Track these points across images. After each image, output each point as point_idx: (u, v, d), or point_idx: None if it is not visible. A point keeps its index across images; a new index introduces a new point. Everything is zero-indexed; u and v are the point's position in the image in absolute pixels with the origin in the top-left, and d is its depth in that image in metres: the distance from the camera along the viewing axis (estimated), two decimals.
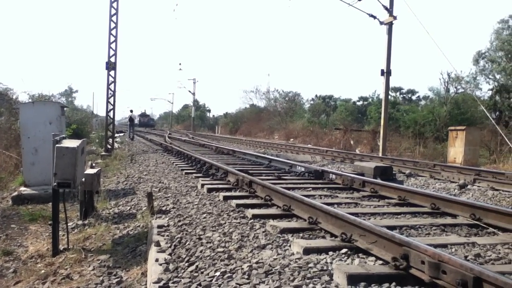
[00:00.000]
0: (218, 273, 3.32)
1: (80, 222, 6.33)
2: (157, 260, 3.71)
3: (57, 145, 4.90)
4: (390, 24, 18.37)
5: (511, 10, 42.94)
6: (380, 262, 3.38)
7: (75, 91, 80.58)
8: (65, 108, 10.71)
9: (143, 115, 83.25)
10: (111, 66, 18.12)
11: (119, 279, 4.05)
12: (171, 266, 3.57)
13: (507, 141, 15.54)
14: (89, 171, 6.71)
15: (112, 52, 18.08)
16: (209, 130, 64.54)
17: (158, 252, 3.93)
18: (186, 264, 3.62)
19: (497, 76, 28.46)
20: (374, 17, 18.63)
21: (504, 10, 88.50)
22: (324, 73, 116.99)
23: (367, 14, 18.63)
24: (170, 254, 3.87)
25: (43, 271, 4.65)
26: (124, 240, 5.20)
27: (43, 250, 5.28)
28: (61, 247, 5.16)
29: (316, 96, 54.21)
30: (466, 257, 3.55)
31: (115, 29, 18.05)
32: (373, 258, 3.47)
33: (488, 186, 8.92)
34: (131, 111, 32.35)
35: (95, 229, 5.77)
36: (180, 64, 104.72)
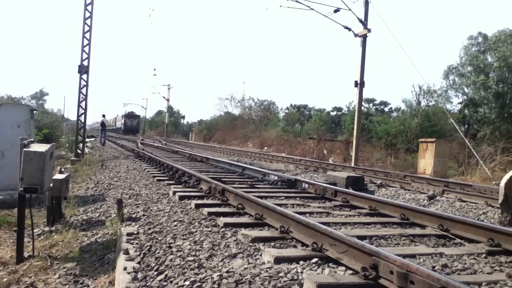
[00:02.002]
0: (187, 282, 3.28)
1: (47, 229, 6.15)
2: (125, 268, 3.63)
3: (24, 149, 4.77)
4: (364, 37, 18.72)
5: (479, 27, 44.31)
6: (350, 271, 3.40)
7: (46, 94, 70.44)
8: (34, 111, 10.44)
9: (130, 115, 63.49)
10: (83, 69, 17.81)
11: (86, 287, 3.95)
12: (139, 275, 3.50)
13: (475, 153, 15.98)
14: (58, 176, 6.54)
15: (85, 56, 17.79)
16: (183, 136, 64.11)
17: (126, 260, 3.85)
18: (155, 273, 3.56)
19: (466, 90, 29.31)
20: (349, 29, 18.96)
21: (472, 27, 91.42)
22: (299, 82, 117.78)
23: (342, 26, 18.96)
24: (139, 263, 3.80)
25: (5, 279, 4.49)
26: (92, 247, 5.08)
27: (6, 257, 5.10)
28: (26, 254, 4.99)
29: (291, 105, 54.70)
30: (433, 267, 3.61)
31: (88, 33, 17.78)
32: (343, 268, 3.49)
33: (456, 198, 9.12)
34: (103, 115, 31.87)
35: (62, 236, 5.61)
36: (154, 69, 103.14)
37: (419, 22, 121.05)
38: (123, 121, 62.44)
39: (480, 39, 28.74)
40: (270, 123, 48.21)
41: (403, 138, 27.59)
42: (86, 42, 17.78)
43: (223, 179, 8.72)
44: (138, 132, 59.17)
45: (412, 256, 3.89)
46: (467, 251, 4.20)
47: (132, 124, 61.33)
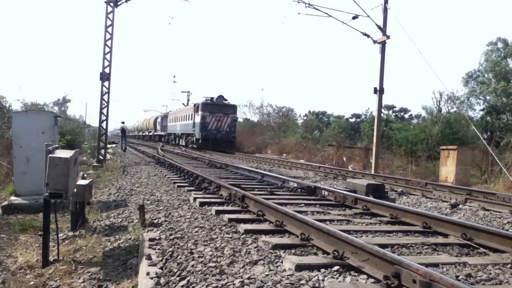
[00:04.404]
0: None
1: (71, 233, 6.27)
2: (148, 273, 3.69)
3: (50, 155, 4.88)
4: (383, 43, 18.60)
5: (498, 31, 43.69)
6: (372, 280, 3.39)
7: (68, 101, 71.15)
8: (58, 118, 10.67)
9: (217, 105, 32.96)
10: (105, 76, 18.11)
11: None
12: (162, 280, 3.54)
13: (498, 161, 15.68)
14: (81, 182, 6.67)
15: (106, 63, 18.09)
16: None
17: (149, 265, 3.91)
18: (177, 278, 3.60)
19: (488, 97, 28.85)
20: (368, 36, 18.87)
21: (491, 31, 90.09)
22: (318, 89, 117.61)
23: (361, 32, 18.89)
24: (161, 268, 3.85)
25: (32, 282, 4.60)
26: (115, 252, 5.16)
27: (32, 261, 5.22)
28: (51, 258, 5.11)
29: (309, 112, 54.58)
30: (457, 277, 3.57)
31: (110, 40, 18.09)
32: (364, 276, 3.48)
33: (479, 206, 8.97)
34: (123, 122, 32.28)
35: (86, 241, 5.72)
36: (174, 76, 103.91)
37: (437, 27, 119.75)
38: (199, 117, 32.20)
39: (500, 45, 28.30)
40: (288, 129, 48.12)
41: (424, 145, 27.22)
42: (107, 49, 18.09)
43: (242, 186, 8.76)
44: (233, 144, 32.93)
45: (435, 265, 3.85)
46: (491, 261, 4.14)
47: (222, 125, 32.16)
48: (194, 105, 34.64)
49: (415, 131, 29.70)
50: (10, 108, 20.83)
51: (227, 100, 33.92)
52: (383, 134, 26.94)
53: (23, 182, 8.83)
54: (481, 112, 29.53)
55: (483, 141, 18.20)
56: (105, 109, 18.52)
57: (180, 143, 38.67)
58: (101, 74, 18.07)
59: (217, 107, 32.53)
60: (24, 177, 8.84)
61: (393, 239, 4.96)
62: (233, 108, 34.05)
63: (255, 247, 4.42)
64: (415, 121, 42.72)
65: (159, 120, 53.48)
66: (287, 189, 9.13)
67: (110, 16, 18.08)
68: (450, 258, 4.21)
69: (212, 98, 33.08)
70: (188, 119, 36.19)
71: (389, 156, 25.40)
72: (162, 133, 49.62)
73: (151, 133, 58.14)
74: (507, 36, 33.12)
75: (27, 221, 7.32)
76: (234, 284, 3.36)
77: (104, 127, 18.98)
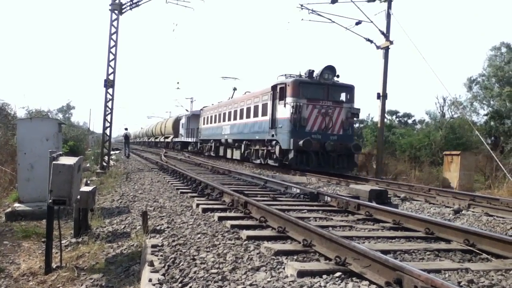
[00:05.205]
0: None
1: (73, 240, 6.29)
2: (150, 280, 3.69)
3: (53, 162, 4.91)
4: (386, 49, 18.65)
5: (503, 37, 43.67)
6: (374, 286, 3.39)
7: (72, 108, 69.86)
8: (62, 125, 10.72)
9: (335, 86, 18.37)
10: (109, 83, 18.21)
11: None
12: (164, 287, 3.55)
13: (502, 167, 15.63)
14: (85, 188, 6.69)
15: (111, 70, 18.20)
16: None
17: (151, 272, 3.91)
18: (180, 285, 3.60)
19: (492, 102, 28.80)
20: (371, 42, 18.93)
21: (495, 36, 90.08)
22: None
23: (364, 38, 18.94)
24: (163, 275, 3.85)
25: None
26: (117, 259, 5.17)
27: (35, 268, 5.23)
28: (54, 265, 5.12)
29: None
30: (459, 283, 3.56)
31: (114, 47, 18.21)
32: (366, 282, 3.48)
33: (482, 212, 8.93)
34: (126, 129, 32.36)
35: (88, 248, 5.73)
36: (178, 83, 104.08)
37: (440, 32, 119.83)
38: (287, 110, 17.77)
39: (503, 49, 28.31)
40: None
41: (427, 150, 27.17)
42: (111, 57, 18.20)
43: (245, 192, 8.77)
44: (353, 161, 18.41)
45: (437, 271, 3.84)
46: (494, 267, 4.12)
47: (332, 124, 17.99)
48: (274, 87, 18.90)
49: (418, 137, 29.66)
50: (15, 115, 20.94)
51: (338, 75, 18.21)
52: (386, 140, 26.91)
53: (26, 189, 8.87)
54: (485, 117, 29.48)
55: (487, 146, 18.15)
56: (109, 115, 18.60)
57: (233, 157, 24.69)
58: (105, 81, 18.18)
59: (322, 90, 17.85)
60: (28, 184, 8.87)
61: (395, 245, 4.95)
62: (349, 91, 18.39)
63: (257, 254, 4.43)
64: (418, 126, 42.60)
65: (183, 121, 39.54)
66: (290, 195, 9.13)
67: (115, 23, 18.22)
68: (453, 264, 4.20)
69: (311, 73, 18.01)
70: (255, 114, 21.14)
71: (393, 161, 25.34)
72: (190, 140, 36.61)
73: (168, 140, 45.10)
74: (511, 40, 33.16)
75: (30, 228, 7.34)
76: None
77: (108, 133, 19.06)
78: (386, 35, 18.50)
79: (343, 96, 18.43)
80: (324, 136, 17.52)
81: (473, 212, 9.06)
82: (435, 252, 4.64)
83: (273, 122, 18.68)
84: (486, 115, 29.40)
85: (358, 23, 18.81)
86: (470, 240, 4.91)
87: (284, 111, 17.83)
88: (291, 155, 17.23)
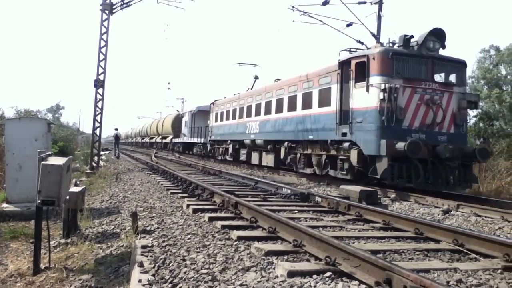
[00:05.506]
0: None
1: (62, 241, 6.23)
2: (140, 281, 3.68)
3: (42, 163, 4.87)
4: None
5: (492, 39, 44.10)
6: (364, 286, 3.40)
7: (62, 108, 69.27)
8: (51, 125, 10.63)
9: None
10: (99, 84, 18.11)
11: None
12: (154, 287, 3.53)
13: (490, 167, 15.78)
14: (74, 189, 6.64)
15: (101, 70, 18.10)
16: None
17: (141, 272, 3.90)
18: (169, 285, 3.59)
19: (480, 104, 29.07)
20: (362, 43, 18.95)
21: (484, 39, 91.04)
22: None
23: (355, 40, 18.95)
24: (153, 275, 3.84)
25: None
26: (107, 259, 5.13)
27: (23, 269, 5.18)
28: (42, 266, 5.07)
29: None
30: (448, 282, 3.59)
31: (105, 47, 18.12)
32: (356, 282, 3.49)
33: (471, 212, 9.00)
34: (116, 129, 32.22)
35: (77, 248, 5.69)
36: (168, 83, 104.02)
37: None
38: (375, 96, 11.43)
39: (492, 52, 28.60)
40: None
41: None
42: (102, 57, 18.10)
43: (236, 192, 8.76)
44: (472, 174, 12.40)
45: (426, 271, 3.87)
46: (482, 267, 4.16)
47: (440, 118, 11.63)
48: (345, 63, 12.98)
49: None
50: (3, 115, 20.74)
51: (445, 46, 12.27)
52: None
53: (15, 189, 8.78)
54: (474, 119, 29.77)
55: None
56: (99, 116, 18.49)
57: (262, 163, 19.70)
58: (95, 81, 18.08)
59: (426, 66, 12.05)
60: (16, 184, 8.79)
61: (385, 245, 4.98)
62: (461, 70, 12.70)
63: (247, 254, 4.42)
64: None
65: (186, 118, 33.70)
66: (281, 196, 9.14)
67: (105, 23, 18.13)
68: (442, 263, 4.24)
69: (407, 40, 12.05)
70: (304, 106, 15.24)
71: None
72: (196, 141, 30.83)
73: (167, 140, 40.10)
74: (500, 43, 33.55)
75: (19, 229, 7.27)
76: None
77: (98, 134, 18.93)
78: (377, 37, 18.58)
79: (452, 77, 12.55)
80: (430, 135, 11.64)
81: (462, 212, 9.13)
82: (424, 252, 4.67)
83: (345, 115, 12.69)
84: (475, 116, 29.68)
85: (349, 25, 18.85)
86: (459, 240, 4.95)
87: (367, 98, 11.78)
88: (383, 165, 11.23)
